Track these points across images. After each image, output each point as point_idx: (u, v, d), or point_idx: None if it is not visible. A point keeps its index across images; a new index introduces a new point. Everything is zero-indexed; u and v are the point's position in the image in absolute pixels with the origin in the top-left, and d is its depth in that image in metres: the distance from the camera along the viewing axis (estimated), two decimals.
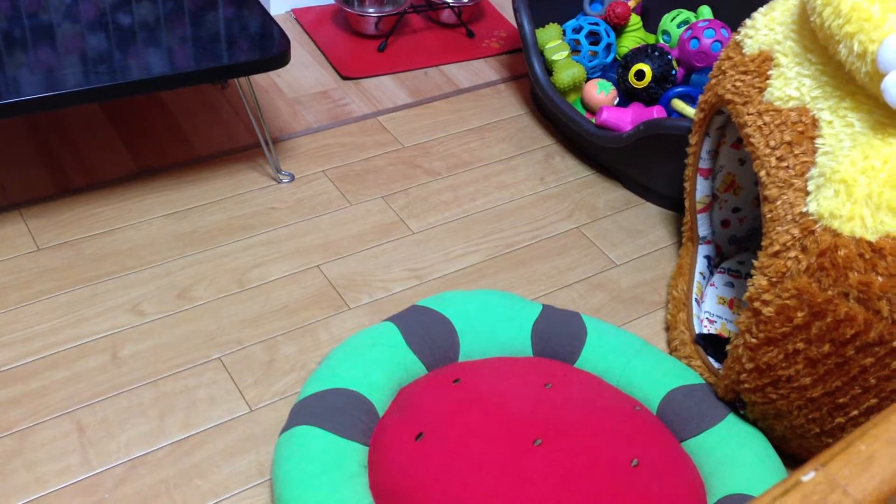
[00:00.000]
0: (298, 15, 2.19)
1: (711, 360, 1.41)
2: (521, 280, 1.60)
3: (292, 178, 1.74)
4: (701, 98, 1.48)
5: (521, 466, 1.19)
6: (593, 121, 1.80)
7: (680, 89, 1.82)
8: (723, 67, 1.41)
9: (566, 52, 1.91)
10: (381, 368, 1.31)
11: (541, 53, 1.90)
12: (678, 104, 1.77)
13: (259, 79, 1.97)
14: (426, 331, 1.37)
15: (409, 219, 1.69)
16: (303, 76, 2.01)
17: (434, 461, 1.19)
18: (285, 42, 1.60)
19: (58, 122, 1.79)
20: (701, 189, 1.54)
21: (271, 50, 1.59)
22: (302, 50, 2.08)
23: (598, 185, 1.83)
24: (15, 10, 1.58)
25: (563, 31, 1.98)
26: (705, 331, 1.48)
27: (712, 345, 1.44)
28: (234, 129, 1.83)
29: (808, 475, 0.42)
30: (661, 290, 1.61)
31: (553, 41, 1.92)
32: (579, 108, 1.90)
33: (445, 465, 1.18)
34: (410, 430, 1.23)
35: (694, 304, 1.51)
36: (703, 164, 1.52)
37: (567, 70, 1.88)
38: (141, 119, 1.82)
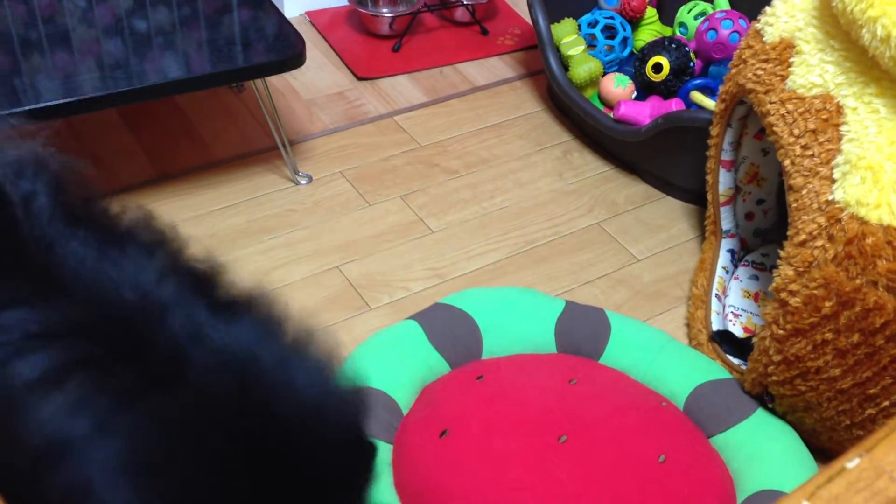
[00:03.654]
0: (312, 17, 2.19)
1: (730, 357, 1.40)
2: (543, 277, 1.58)
3: (310, 179, 1.74)
4: (721, 89, 1.46)
5: (546, 462, 1.18)
6: (611, 115, 1.79)
7: (698, 81, 1.80)
8: (743, 56, 1.39)
9: (582, 47, 1.90)
10: (404, 366, 1.30)
11: (556, 49, 1.88)
12: (697, 96, 1.76)
13: (275, 81, 1.97)
14: (449, 328, 1.36)
15: (428, 218, 1.68)
16: (318, 77, 2.01)
17: (459, 458, 1.18)
18: (300, 43, 1.59)
19: (75, 128, 1.79)
20: (723, 181, 1.52)
21: (287, 51, 1.59)
22: (317, 51, 2.08)
23: (617, 179, 1.81)
24: (31, 17, 1.59)
25: (579, 26, 1.97)
26: (730, 325, 1.47)
27: (729, 341, 1.43)
28: (250, 131, 1.83)
29: (852, 462, 0.41)
30: (684, 285, 1.59)
31: (568, 36, 1.91)
32: (597, 103, 1.89)
33: (470, 461, 1.17)
34: (434, 427, 1.22)
35: (715, 299, 1.49)
36: (725, 155, 1.50)
37: (583, 65, 1.86)
38: (158, 123, 1.82)
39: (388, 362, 1.30)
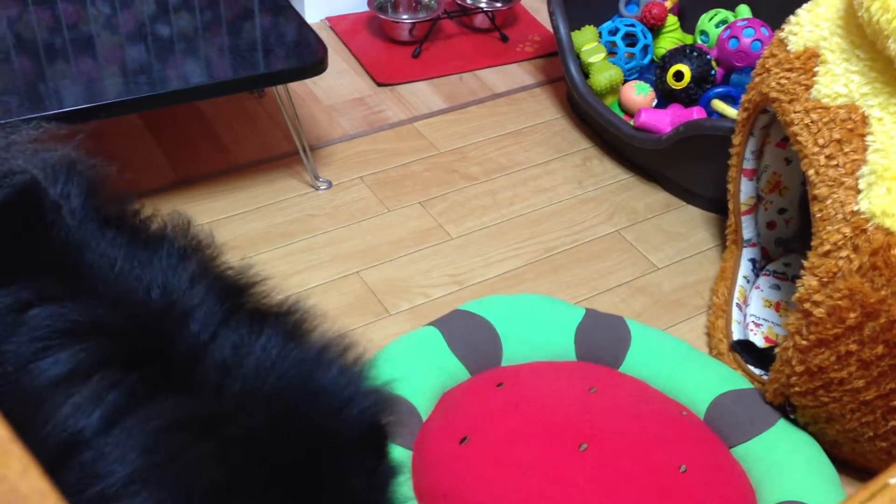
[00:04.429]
0: (333, 23, 2.19)
1: (751, 367, 1.39)
2: (562, 284, 1.58)
3: (330, 184, 1.74)
4: (744, 97, 1.46)
5: (566, 471, 1.17)
6: (631, 123, 1.79)
7: (720, 90, 1.80)
8: (767, 65, 1.38)
9: (602, 55, 1.89)
10: (424, 372, 1.30)
11: (577, 56, 1.88)
12: (718, 105, 1.75)
13: (295, 86, 1.97)
14: (469, 335, 1.36)
15: (447, 224, 1.68)
16: (338, 83, 2.02)
17: (478, 465, 1.18)
18: (322, 49, 1.60)
19: (96, 131, 1.80)
20: (745, 190, 1.51)
21: (308, 57, 1.59)
22: (337, 57, 2.09)
23: (637, 187, 1.81)
24: (56, 23, 1.60)
25: (599, 34, 1.97)
26: (751, 335, 1.46)
27: (750, 351, 1.42)
28: (271, 137, 1.83)
29: (895, 478, 0.40)
30: (704, 294, 1.58)
31: (589, 43, 1.91)
32: (617, 111, 1.88)
33: (490, 468, 1.17)
34: (455, 434, 1.22)
35: (736, 308, 1.48)
36: (748, 164, 1.49)
37: (604, 72, 1.86)
38: (179, 127, 1.83)
39: (408, 368, 1.30)
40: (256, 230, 1.63)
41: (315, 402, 0.78)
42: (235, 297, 0.86)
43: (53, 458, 0.74)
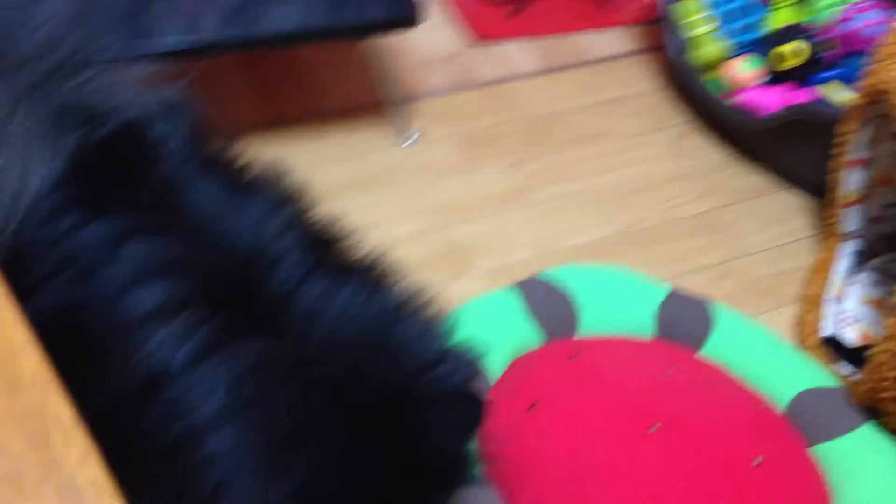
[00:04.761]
0: None
1: (841, 365, 1.33)
2: (648, 260, 1.53)
3: (417, 139, 1.72)
4: (862, 83, 1.37)
5: (634, 451, 1.14)
6: (733, 101, 1.71)
7: (831, 73, 1.70)
8: (883, 53, 1.30)
9: (708, 27, 1.82)
10: (498, 335, 1.28)
11: (680, 27, 1.81)
12: (828, 88, 1.66)
13: (389, 38, 1.95)
14: (547, 302, 1.33)
15: (534, 188, 1.65)
16: (432, 37, 1.98)
17: (546, 433, 1.16)
18: (418, 2, 1.57)
19: (194, 71, 1.81)
20: (851, 181, 1.43)
21: (404, 10, 1.57)
22: (433, 11, 2.05)
23: (735, 167, 1.74)
24: None
25: (706, 5, 1.89)
26: (845, 332, 1.39)
27: (841, 349, 1.36)
28: (361, 86, 1.82)
29: None
30: (796, 284, 1.52)
31: (694, 14, 1.83)
32: (719, 87, 1.81)
33: (556, 438, 1.15)
34: (523, 399, 1.20)
35: (831, 302, 1.42)
36: (857, 154, 1.42)
37: (708, 46, 1.79)
38: (268, 69, 1.83)
39: (483, 329, 1.28)
40: (340, 179, 1.62)
41: (397, 356, 0.78)
42: (322, 249, 0.86)
43: (139, 390, 0.75)
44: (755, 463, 1.16)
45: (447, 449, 0.78)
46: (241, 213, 0.85)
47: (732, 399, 1.27)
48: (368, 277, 0.86)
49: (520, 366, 1.27)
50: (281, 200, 0.89)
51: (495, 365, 1.25)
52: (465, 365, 0.80)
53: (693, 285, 1.49)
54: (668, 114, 1.85)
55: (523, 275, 1.40)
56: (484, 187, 1.63)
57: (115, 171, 0.85)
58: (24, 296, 0.76)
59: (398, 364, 0.77)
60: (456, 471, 0.81)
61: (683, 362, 1.31)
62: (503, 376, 1.25)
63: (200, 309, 0.76)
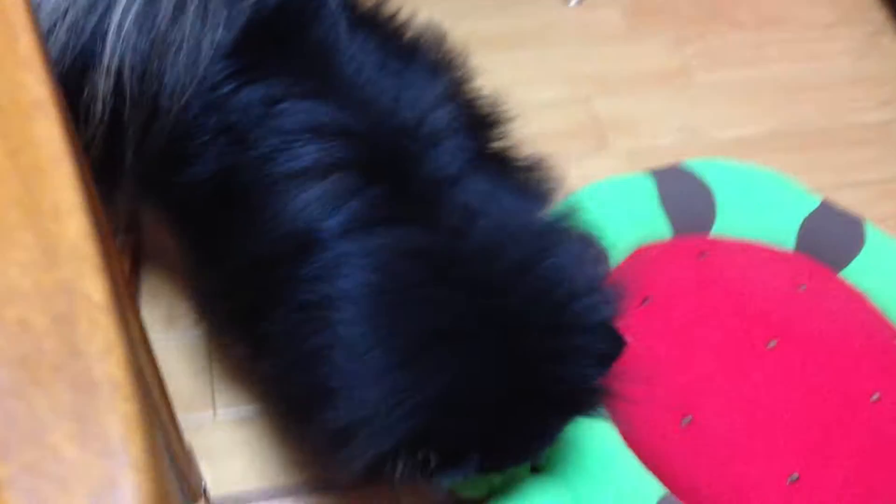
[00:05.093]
0: None
1: None
2: (805, 166, 1.42)
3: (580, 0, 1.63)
4: None
5: (746, 364, 1.10)
6: None
7: None
8: None
9: None
10: (626, 221, 1.23)
11: None
12: None
13: None
14: (684, 194, 1.26)
15: (697, 69, 1.54)
16: None
17: (654, 329, 1.12)
18: None
19: None
20: None
21: None
22: None
23: None
24: None
25: None
26: None
27: None
28: None
29: None
30: None
31: None
32: None
33: (666, 337, 1.12)
34: (639, 291, 1.16)
35: None
36: None
37: None
38: None
39: (612, 212, 1.24)
40: (492, 30, 1.56)
41: (550, 279, 0.75)
42: (484, 132, 0.83)
43: (285, 249, 0.76)
44: (874, 398, 1.09)
45: (578, 378, 0.77)
46: (397, 77, 0.81)
47: (863, 327, 1.19)
48: (529, 181, 0.83)
49: (642, 256, 1.22)
50: (439, 67, 0.85)
51: (617, 250, 1.22)
52: (612, 299, 0.78)
53: (849, 201, 1.38)
54: (865, 7, 1.66)
55: (664, 161, 1.33)
56: (642, 61, 1.54)
57: (270, 33, 0.82)
58: (188, 161, 0.78)
59: (549, 287, 0.75)
60: (582, 400, 0.80)
61: (819, 280, 1.23)
62: (623, 264, 1.22)
63: (354, 175, 0.75)
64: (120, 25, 0.75)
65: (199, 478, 0.87)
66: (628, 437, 1.04)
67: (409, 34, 0.88)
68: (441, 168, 0.77)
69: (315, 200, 0.75)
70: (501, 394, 0.74)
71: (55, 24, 0.76)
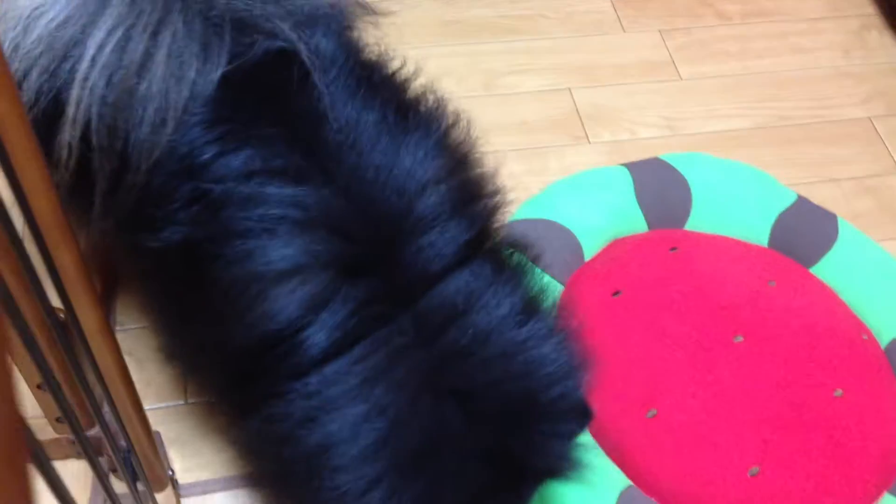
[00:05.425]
0: None
1: None
2: (784, 160, 1.43)
3: None
4: None
5: (711, 357, 1.12)
6: None
7: None
8: None
9: None
10: (601, 213, 1.25)
11: None
12: None
13: None
14: (660, 187, 1.28)
15: (681, 62, 1.54)
16: None
17: (624, 321, 1.14)
18: None
19: None
20: None
21: None
22: None
23: None
24: None
25: None
26: None
27: None
28: None
29: None
30: None
31: None
32: None
33: (634, 328, 1.13)
34: (610, 284, 1.18)
35: None
36: None
37: None
38: None
39: (587, 204, 1.25)
40: (483, 17, 1.57)
41: (531, 374, 0.75)
42: (478, 226, 0.79)
43: (261, 351, 0.73)
44: (837, 394, 1.11)
45: (552, 456, 0.78)
46: (392, 144, 0.76)
47: (832, 324, 1.20)
48: (516, 277, 0.80)
49: (615, 249, 1.24)
50: (438, 140, 0.79)
51: (591, 243, 1.23)
52: (583, 378, 0.78)
53: (825, 197, 1.39)
54: (853, 2, 1.66)
55: (644, 154, 1.34)
56: (627, 53, 1.54)
57: (259, 98, 0.76)
58: (157, 225, 0.73)
59: (529, 382, 0.75)
60: (553, 470, 0.80)
61: (790, 276, 1.24)
62: (596, 256, 1.23)
63: (333, 275, 0.72)
64: (86, 76, 0.72)
65: (165, 466, 0.88)
66: (593, 429, 1.06)
67: (410, 93, 0.83)
68: (426, 263, 0.74)
69: (293, 303, 0.71)
70: (482, 484, 0.75)
71: (31, 68, 0.74)
